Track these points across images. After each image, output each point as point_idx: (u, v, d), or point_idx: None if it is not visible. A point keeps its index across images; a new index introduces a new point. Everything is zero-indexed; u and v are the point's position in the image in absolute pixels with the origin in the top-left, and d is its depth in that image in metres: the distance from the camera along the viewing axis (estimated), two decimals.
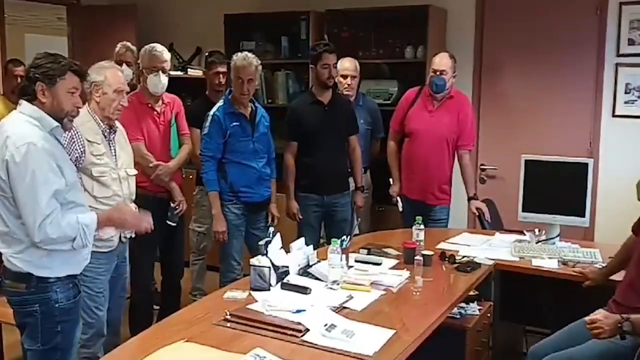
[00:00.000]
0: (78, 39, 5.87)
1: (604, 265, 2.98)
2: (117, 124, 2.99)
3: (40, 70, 2.29)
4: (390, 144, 4.19)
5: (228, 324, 2.24)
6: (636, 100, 4.22)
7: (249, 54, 3.62)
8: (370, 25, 4.85)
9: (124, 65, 4.08)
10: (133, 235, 2.98)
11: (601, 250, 3.21)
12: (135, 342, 2.21)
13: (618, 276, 2.78)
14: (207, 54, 4.59)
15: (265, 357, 1.97)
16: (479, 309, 3.00)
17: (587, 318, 2.43)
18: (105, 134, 2.88)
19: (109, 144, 2.90)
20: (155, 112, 3.66)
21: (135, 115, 3.53)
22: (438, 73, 3.87)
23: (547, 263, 3.11)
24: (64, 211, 2.28)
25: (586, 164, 3.40)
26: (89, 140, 2.78)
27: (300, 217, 3.94)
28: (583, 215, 3.37)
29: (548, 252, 3.21)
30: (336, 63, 3.92)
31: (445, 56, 3.91)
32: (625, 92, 4.24)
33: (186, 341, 2.09)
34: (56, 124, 2.32)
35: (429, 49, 4.43)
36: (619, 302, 2.59)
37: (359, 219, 3.70)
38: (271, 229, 3.67)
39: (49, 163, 2.24)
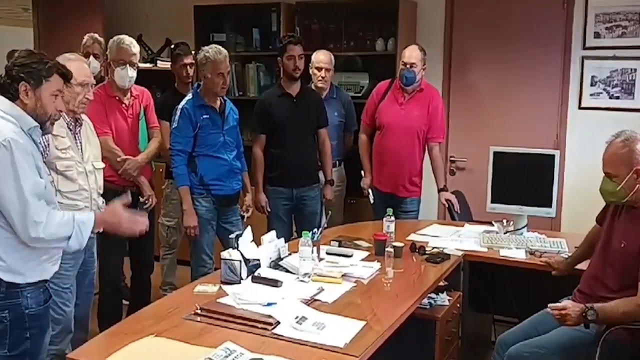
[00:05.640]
0: (44, 30, 5.74)
1: (569, 255, 3.04)
2: (84, 116, 2.93)
3: (26, 70, 2.18)
4: (361, 137, 4.21)
5: (198, 318, 2.23)
6: (601, 93, 4.30)
7: (220, 47, 3.58)
8: (341, 17, 4.85)
9: (91, 58, 4.02)
10: (101, 230, 2.94)
11: (567, 240, 3.27)
12: (103, 337, 2.20)
13: (583, 265, 2.84)
14: (171, 46, 4.53)
15: (235, 350, 1.97)
16: (449, 299, 3.03)
17: (552, 305, 2.47)
18: (71, 127, 2.83)
19: (75, 137, 2.84)
20: (123, 105, 3.61)
21: (102, 108, 3.48)
22: (408, 66, 3.89)
23: (515, 253, 3.15)
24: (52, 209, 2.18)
25: (553, 156, 3.45)
26: (53, 134, 2.71)
27: (269, 209, 3.94)
28: (550, 206, 3.43)
29: (516, 243, 3.26)
30: (302, 54, 3.90)
31: (415, 49, 3.93)
32: (591, 85, 4.32)
33: (156, 336, 2.07)
34: (35, 123, 2.21)
35: (400, 42, 4.44)
36: (584, 292, 2.65)
37: (330, 212, 3.71)
38: (246, 215, 3.70)
39: (30, 162, 2.15)
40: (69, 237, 2.18)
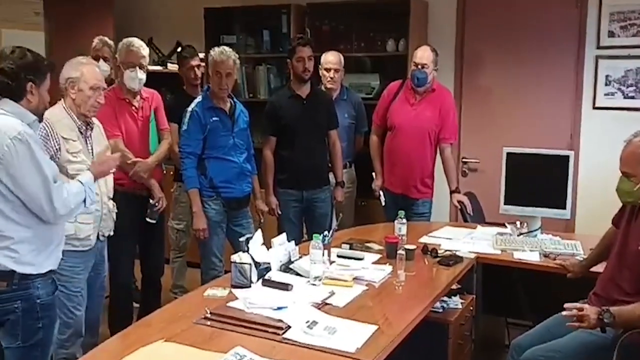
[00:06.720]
0: (55, 34, 5.77)
1: (584, 257, 2.99)
2: (95, 120, 2.93)
3: (32, 71, 2.30)
4: (372, 138, 4.19)
5: (208, 323, 2.21)
6: (616, 93, 4.25)
7: (227, 48, 3.57)
8: (351, 18, 4.83)
9: (101, 61, 4.02)
10: (112, 234, 2.94)
11: (582, 242, 3.22)
12: (114, 341, 2.19)
13: (599, 268, 2.80)
14: (178, 50, 4.54)
15: (245, 355, 1.95)
16: (462, 302, 3.00)
17: (569, 305, 2.42)
18: (82, 130, 2.83)
19: (86, 140, 2.84)
20: (133, 108, 3.61)
21: (112, 110, 3.48)
22: (420, 66, 3.86)
23: (529, 256, 3.11)
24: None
25: (567, 156, 3.41)
26: (64, 138, 2.73)
27: (280, 212, 3.92)
28: (564, 208, 3.39)
29: (530, 245, 3.22)
30: (312, 56, 3.88)
31: (426, 49, 3.91)
32: (606, 85, 4.27)
33: (166, 340, 2.06)
34: (34, 117, 2.35)
35: (411, 42, 4.42)
36: (599, 295, 2.60)
37: (341, 214, 3.69)
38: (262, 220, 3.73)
39: (42, 148, 2.34)
40: (84, 200, 2.44)
